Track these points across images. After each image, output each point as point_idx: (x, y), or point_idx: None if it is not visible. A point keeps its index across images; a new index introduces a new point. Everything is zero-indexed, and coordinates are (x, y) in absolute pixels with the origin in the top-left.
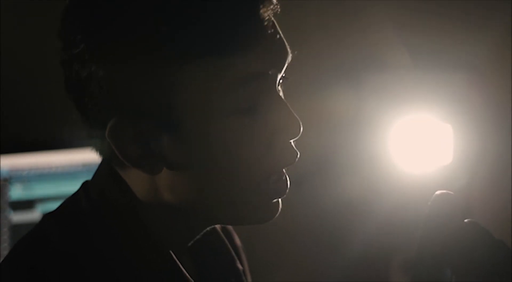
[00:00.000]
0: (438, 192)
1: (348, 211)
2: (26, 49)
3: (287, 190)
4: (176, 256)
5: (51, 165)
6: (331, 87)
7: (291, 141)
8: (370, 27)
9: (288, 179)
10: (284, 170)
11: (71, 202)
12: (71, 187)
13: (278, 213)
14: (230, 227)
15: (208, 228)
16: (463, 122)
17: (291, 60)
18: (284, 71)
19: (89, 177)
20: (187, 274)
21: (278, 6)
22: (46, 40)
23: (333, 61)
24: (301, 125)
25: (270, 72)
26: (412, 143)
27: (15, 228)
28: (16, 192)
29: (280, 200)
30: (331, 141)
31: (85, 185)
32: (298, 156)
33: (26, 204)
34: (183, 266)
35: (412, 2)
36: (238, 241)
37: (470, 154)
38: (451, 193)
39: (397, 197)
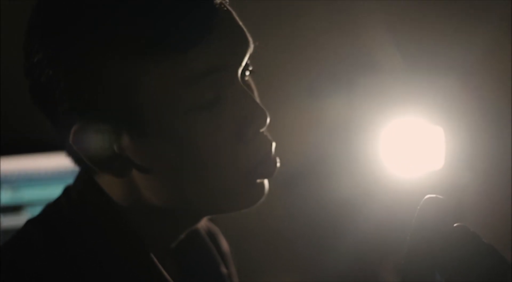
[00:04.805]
0: (427, 196)
1: (338, 213)
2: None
3: (275, 171)
4: (159, 258)
5: (40, 169)
6: (322, 89)
7: (262, 130)
8: (362, 28)
9: (276, 160)
10: (271, 152)
11: (52, 207)
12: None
13: (264, 196)
14: (216, 230)
15: (192, 227)
16: (454, 125)
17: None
18: (249, 63)
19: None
20: (167, 276)
21: None
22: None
23: (324, 63)
24: (268, 115)
25: (230, 64)
26: (403, 146)
27: (5, 232)
28: (5, 196)
29: (266, 181)
30: (322, 143)
31: (66, 189)
32: (274, 144)
33: (15, 209)
34: (165, 268)
35: (404, 3)
36: (225, 244)
37: (461, 157)
38: (441, 197)
39: (387, 200)
